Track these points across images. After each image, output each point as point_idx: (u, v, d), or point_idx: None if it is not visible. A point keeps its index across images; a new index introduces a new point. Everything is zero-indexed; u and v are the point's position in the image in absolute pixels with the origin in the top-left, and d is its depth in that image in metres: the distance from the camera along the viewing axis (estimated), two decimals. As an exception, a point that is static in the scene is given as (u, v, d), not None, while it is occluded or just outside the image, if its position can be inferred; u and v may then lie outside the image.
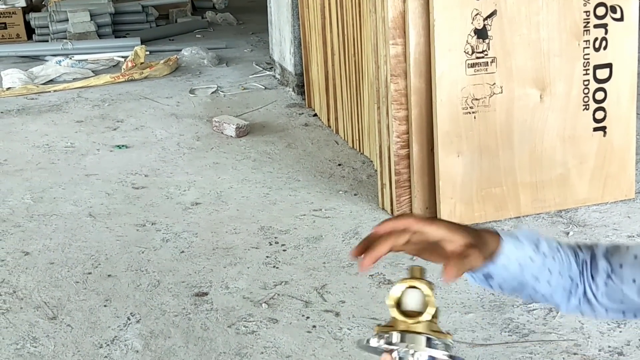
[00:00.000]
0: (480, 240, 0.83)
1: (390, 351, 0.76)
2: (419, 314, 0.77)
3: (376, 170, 2.77)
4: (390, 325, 0.77)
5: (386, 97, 2.50)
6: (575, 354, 1.81)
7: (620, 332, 1.88)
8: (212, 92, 4.21)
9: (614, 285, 0.91)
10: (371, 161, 3.02)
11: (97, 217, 2.71)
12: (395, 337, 0.77)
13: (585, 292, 0.93)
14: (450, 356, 0.76)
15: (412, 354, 0.76)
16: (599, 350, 1.81)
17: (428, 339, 0.76)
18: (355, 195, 2.79)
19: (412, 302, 0.77)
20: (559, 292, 0.93)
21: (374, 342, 0.77)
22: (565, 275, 0.92)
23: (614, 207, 2.56)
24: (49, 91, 4.32)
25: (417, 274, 0.79)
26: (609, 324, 1.91)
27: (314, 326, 1.98)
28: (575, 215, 2.52)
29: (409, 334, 0.76)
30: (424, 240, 0.81)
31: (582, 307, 0.94)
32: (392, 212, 2.59)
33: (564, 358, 1.80)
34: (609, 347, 1.83)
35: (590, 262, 0.94)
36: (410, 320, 0.76)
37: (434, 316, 0.76)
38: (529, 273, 0.90)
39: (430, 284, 0.78)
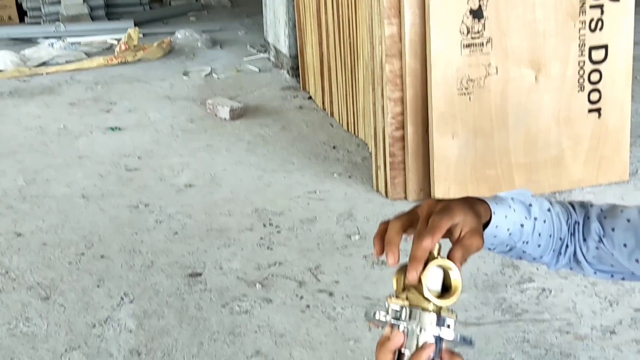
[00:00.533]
0: (480, 220, 0.83)
1: (397, 326, 0.75)
2: (440, 293, 0.76)
3: (371, 153, 2.76)
4: (401, 298, 0.76)
5: (381, 78, 2.48)
6: (567, 332, 1.81)
7: (613, 311, 1.89)
8: (206, 75, 4.18)
9: (604, 249, 0.90)
10: (366, 144, 3.01)
11: (90, 199, 2.69)
12: (405, 312, 0.76)
13: (575, 253, 0.93)
14: (462, 337, 0.75)
15: (419, 331, 0.75)
16: (591, 329, 1.82)
17: (437, 318, 0.75)
18: (349, 177, 2.78)
19: (435, 280, 0.76)
20: (548, 253, 0.93)
21: (381, 316, 0.76)
22: (555, 237, 0.92)
23: (607, 188, 2.56)
24: (42, 74, 4.29)
25: (437, 251, 0.77)
26: (601, 303, 1.92)
27: (308, 306, 1.98)
28: (569, 197, 2.52)
29: (418, 310, 0.75)
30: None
31: (570, 265, 0.94)
32: (386, 194, 2.59)
33: (556, 337, 1.80)
34: (601, 325, 1.84)
35: (583, 223, 0.93)
36: (431, 298, 0.74)
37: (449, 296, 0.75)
38: (519, 238, 0.90)
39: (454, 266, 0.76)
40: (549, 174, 2.54)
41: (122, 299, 2.04)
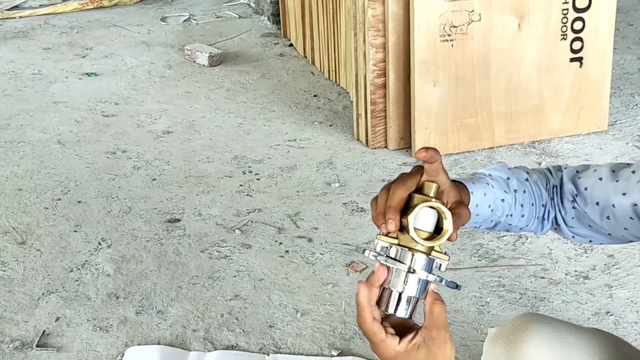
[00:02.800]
0: (460, 196, 0.83)
1: (383, 263, 0.74)
2: (429, 234, 0.73)
3: (352, 102, 2.73)
4: (393, 237, 0.74)
5: (363, 24, 2.44)
6: (542, 277, 1.84)
7: (587, 257, 1.92)
8: (184, 20, 4.09)
9: (579, 208, 0.91)
10: (347, 92, 2.98)
11: (66, 145, 2.65)
12: (393, 250, 0.74)
13: (555, 217, 0.94)
14: (450, 282, 0.74)
15: (406, 270, 0.73)
16: (566, 275, 1.85)
17: (428, 260, 0.73)
18: (330, 126, 2.76)
19: (426, 221, 0.73)
20: (533, 222, 0.94)
21: (369, 254, 0.75)
22: (537, 204, 0.93)
23: (586, 138, 2.58)
24: (14, 17, 4.15)
25: (434, 193, 0.74)
26: (576, 250, 1.95)
27: (287, 251, 1.98)
28: (548, 146, 2.53)
29: (406, 249, 0.73)
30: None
31: (554, 228, 0.95)
32: (366, 143, 2.58)
33: (531, 282, 1.83)
34: (575, 271, 1.87)
35: (559, 185, 0.94)
36: (419, 239, 0.72)
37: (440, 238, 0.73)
38: (501, 213, 0.91)
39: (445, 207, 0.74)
40: (528, 124, 2.54)
41: (99, 244, 2.03)
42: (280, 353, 1.61)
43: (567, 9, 2.44)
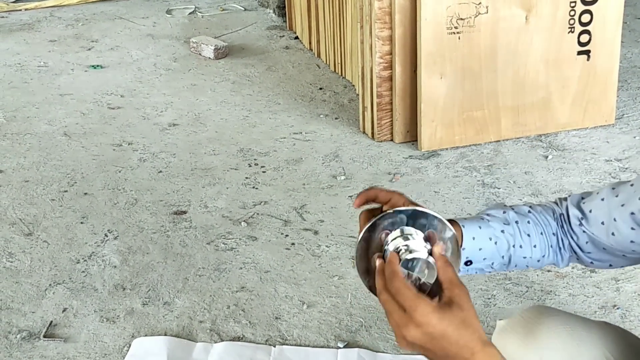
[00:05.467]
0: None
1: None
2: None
3: (358, 94, 2.73)
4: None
5: (370, 16, 2.43)
6: (549, 271, 1.84)
7: (594, 250, 1.91)
8: (190, 13, 4.08)
9: (588, 232, 0.92)
10: (353, 85, 2.98)
11: (72, 137, 2.65)
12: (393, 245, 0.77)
13: (570, 244, 0.94)
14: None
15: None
16: (572, 268, 1.85)
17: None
18: (336, 119, 2.76)
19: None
20: (549, 252, 0.95)
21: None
22: (548, 233, 0.94)
23: (593, 132, 2.56)
24: (20, 9, 4.16)
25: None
26: (583, 243, 1.94)
27: (293, 243, 1.98)
28: (555, 140, 2.52)
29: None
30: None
31: (574, 257, 0.96)
32: (372, 136, 2.57)
33: (537, 275, 1.83)
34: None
35: (566, 213, 0.95)
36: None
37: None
38: (507, 244, 0.92)
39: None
40: (535, 117, 2.53)
41: (106, 235, 2.03)
42: (287, 345, 1.61)
43: (575, 2, 2.43)
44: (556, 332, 0.93)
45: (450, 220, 0.87)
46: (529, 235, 0.92)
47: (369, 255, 0.77)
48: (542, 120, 2.54)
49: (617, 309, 1.70)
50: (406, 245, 0.74)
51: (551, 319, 0.95)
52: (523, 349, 0.93)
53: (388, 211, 0.77)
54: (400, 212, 0.76)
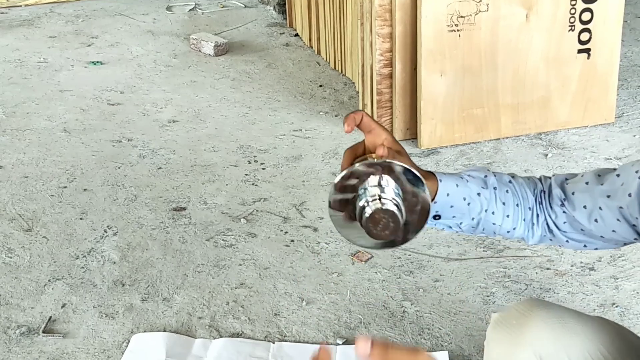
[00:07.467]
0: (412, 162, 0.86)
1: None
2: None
3: (358, 92, 2.73)
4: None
5: (370, 13, 2.43)
6: (548, 269, 1.84)
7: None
8: (190, 10, 4.08)
9: (569, 213, 0.92)
10: (353, 83, 2.98)
11: (72, 133, 2.65)
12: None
13: (546, 221, 0.94)
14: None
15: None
16: (571, 266, 1.85)
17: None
18: (336, 116, 2.76)
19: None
20: (521, 225, 0.94)
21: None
22: (523, 206, 0.93)
23: (593, 130, 2.57)
24: (20, 5, 4.15)
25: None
26: (582, 241, 1.94)
27: (292, 240, 1.99)
28: (554, 138, 2.52)
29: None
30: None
31: (546, 235, 0.95)
32: (372, 133, 2.57)
33: (537, 272, 1.83)
34: (581, 262, 1.87)
35: (548, 191, 0.95)
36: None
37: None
38: (480, 207, 0.91)
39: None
40: (535, 115, 2.53)
41: (105, 231, 2.03)
42: (286, 341, 1.61)
43: (576, 0, 2.43)
44: (550, 325, 0.93)
45: (429, 172, 0.88)
46: (504, 203, 0.91)
47: (344, 194, 0.82)
48: (542, 119, 2.54)
49: (616, 307, 1.70)
50: (379, 195, 0.78)
51: (545, 311, 0.95)
52: (516, 340, 0.93)
53: (368, 160, 0.82)
54: (378, 164, 0.81)
